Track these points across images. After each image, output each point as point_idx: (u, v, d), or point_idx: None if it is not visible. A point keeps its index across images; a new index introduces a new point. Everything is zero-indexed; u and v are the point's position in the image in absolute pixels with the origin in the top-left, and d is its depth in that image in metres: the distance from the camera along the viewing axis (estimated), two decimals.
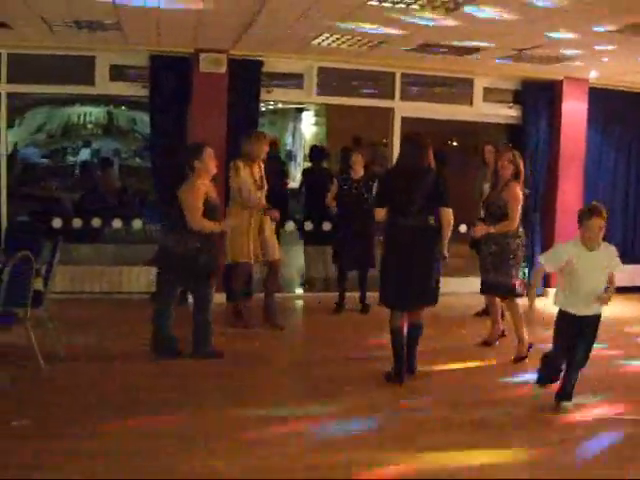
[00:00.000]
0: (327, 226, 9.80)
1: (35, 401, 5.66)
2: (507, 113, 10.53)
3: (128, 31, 7.99)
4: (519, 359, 7.05)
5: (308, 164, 12.88)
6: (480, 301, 8.52)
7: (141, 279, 9.42)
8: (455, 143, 15.28)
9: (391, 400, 5.96)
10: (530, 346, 7.05)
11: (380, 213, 6.31)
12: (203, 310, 6.84)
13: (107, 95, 10.61)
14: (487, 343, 7.60)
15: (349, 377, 6.50)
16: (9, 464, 4.39)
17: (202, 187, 6.63)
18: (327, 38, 7.99)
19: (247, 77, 9.16)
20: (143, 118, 14.82)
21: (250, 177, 7.93)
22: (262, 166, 8.15)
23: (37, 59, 9.03)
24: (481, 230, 7.08)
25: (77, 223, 9.59)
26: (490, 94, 10.41)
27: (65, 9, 6.94)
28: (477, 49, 8.28)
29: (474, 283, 7.69)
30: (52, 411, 5.41)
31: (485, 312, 8.41)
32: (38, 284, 6.51)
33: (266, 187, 8.13)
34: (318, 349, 7.58)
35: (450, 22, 6.85)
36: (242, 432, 5.12)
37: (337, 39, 8.02)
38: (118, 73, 9.21)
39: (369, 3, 6.22)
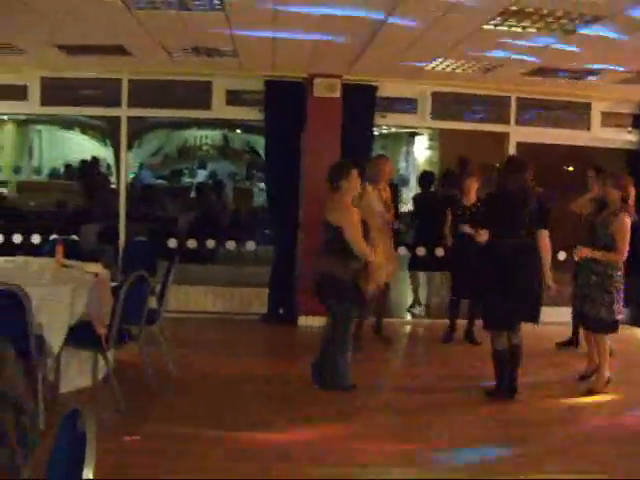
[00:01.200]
0: (440, 252, 9.67)
1: (146, 417, 5.80)
2: (626, 138, 10.20)
3: (244, 57, 8.16)
4: (592, 393, 6.73)
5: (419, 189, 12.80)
6: (563, 331, 8.27)
7: (253, 300, 9.53)
8: (571, 168, 14.90)
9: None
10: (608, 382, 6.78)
11: (483, 235, 6.23)
12: (342, 341, 6.57)
13: (223, 119, 10.87)
14: (584, 377, 7.17)
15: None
16: (116, 475, 4.50)
17: (355, 208, 6.59)
18: (441, 63, 7.95)
19: (361, 102, 9.20)
20: (257, 141, 15.11)
21: (378, 200, 7.95)
22: (388, 189, 8.17)
23: (156, 84, 9.35)
24: (585, 253, 6.68)
25: (192, 244, 9.80)
26: (608, 118, 10.11)
27: (185, 38, 7.17)
28: (594, 72, 8.07)
29: (559, 312, 7.45)
30: (162, 428, 5.53)
31: (569, 343, 8.19)
32: (152, 302, 6.69)
33: (392, 210, 8.15)
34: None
35: (567, 44, 6.71)
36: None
37: (451, 63, 7.97)
38: (234, 98, 9.42)
39: (484, 27, 6.16)
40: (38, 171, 15.65)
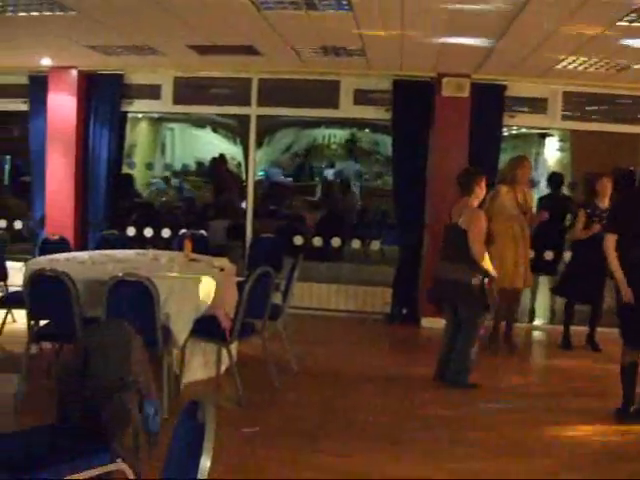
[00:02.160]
0: (549, 255, 9.41)
1: (265, 410, 5.90)
2: None
3: (372, 57, 8.17)
4: None
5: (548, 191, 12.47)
6: None
7: (376, 300, 9.53)
8: None
9: None
10: None
11: (611, 240, 5.94)
12: (469, 338, 6.57)
13: (350, 118, 10.92)
14: None
15: None
16: (233, 466, 4.59)
17: (482, 213, 6.57)
18: (573, 61, 7.72)
19: (490, 101, 9.04)
20: (385, 141, 15.08)
21: (513, 201, 7.83)
22: (526, 191, 8.05)
23: (285, 84, 9.49)
24: None
25: (318, 242, 9.88)
26: None
27: (314, 38, 7.23)
28: None
29: None
30: (281, 422, 5.61)
31: None
32: (277, 298, 6.80)
33: (529, 213, 8.00)
34: None
35: None
36: None
37: (583, 62, 7.73)
38: (361, 97, 9.44)
39: (617, 24, 5.95)
40: (169, 168, 16.10)
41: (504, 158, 9.45)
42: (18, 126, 14.35)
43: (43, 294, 5.75)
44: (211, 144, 16.69)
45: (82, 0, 6.05)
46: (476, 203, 6.59)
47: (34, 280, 5.74)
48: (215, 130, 16.83)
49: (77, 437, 3.72)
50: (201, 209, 13.46)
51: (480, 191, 6.56)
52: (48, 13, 6.46)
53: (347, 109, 9.47)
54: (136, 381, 3.67)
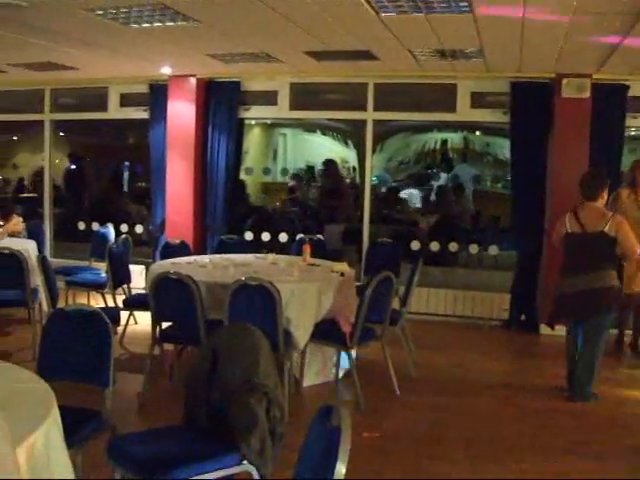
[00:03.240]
0: None
1: (385, 416, 5.87)
2: None
3: (490, 58, 8.05)
4: None
5: None
6: None
7: (493, 306, 9.36)
8: None
9: None
10: None
11: None
12: (596, 348, 6.30)
13: (466, 122, 10.79)
14: None
15: None
16: (352, 472, 4.57)
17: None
18: None
19: (611, 102, 8.74)
20: (497, 143, 14.83)
21: (634, 204, 7.59)
22: None
23: (401, 88, 9.45)
24: None
25: (435, 246, 9.79)
26: None
27: (431, 40, 7.17)
28: None
29: None
30: (398, 428, 5.58)
31: None
32: (394, 303, 6.76)
33: None
34: None
35: None
36: None
37: None
38: (479, 100, 9.30)
39: None
40: (282, 172, 16.26)
41: (627, 161, 9.13)
42: (137, 133, 14.83)
43: (167, 297, 5.89)
44: (322, 148, 16.76)
45: (206, 11, 6.17)
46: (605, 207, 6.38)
47: (159, 283, 5.89)
48: (327, 134, 16.90)
49: (205, 439, 3.79)
50: (314, 213, 13.53)
51: (605, 195, 6.34)
52: (171, 24, 6.62)
53: (464, 112, 9.34)
54: (264, 384, 3.69)
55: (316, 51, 7.92)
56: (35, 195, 14.99)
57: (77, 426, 3.80)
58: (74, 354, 4.21)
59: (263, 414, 3.69)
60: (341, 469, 2.46)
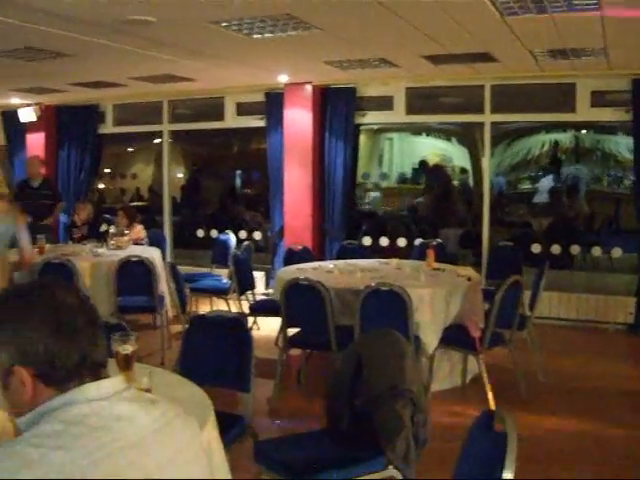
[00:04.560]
0: None
1: (517, 421, 5.77)
2: None
3: (613, 56, 7.85)
4: None
5: None
6: None
7: (617, 309, 9.11)
8: None
9: None
10: None
11: None
12: None
13: (586, 121, 10.55)
14: None
15: None
16: None
17: None
18: None
19: None
20: (612, 142, 14.48)
21: None
22: None
23: (519, 89, 9.31)
24: None
25: (556, 249, 9.59)
26: None
27: (554, 40, 7.06)
28: None
29: None
30: (533, 433, 5.48)
31: None
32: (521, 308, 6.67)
33: None
34: None
35: None
36: None
37: None
38: (599, 99, 9.07)
39: None
40: (389, 177, 16.26)
41: None
42: (250, 141, 15.10)
43: (297, 302, 5.97)
44: (430, 151, 16.68)
45: (328, 18, 6.23)
46: None
47: (289, 289, 5.97)
48: (435, 137, 16.82)
49: (349, 443, 3.83)
50: (426, 217, 13.47)
51: None
52: (293, 33, 6.71)
53: (584, 112, 9.10)
54: (409, 390, 3.70)
55: (434, 55, 7.89)
56: (146, 204, 15.46)
57: (222, 430, 3.89)
58: (215, 359, 4.32)
59: (408, 419, 3.70)
60: (508, 475, 2.44)
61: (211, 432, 2.96)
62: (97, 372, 1.72)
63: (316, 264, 7.57)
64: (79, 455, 1.53)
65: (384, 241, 10.21)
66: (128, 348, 3.25)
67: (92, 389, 1.68)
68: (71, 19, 5.97)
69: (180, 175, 16.03)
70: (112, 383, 1.73)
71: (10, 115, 12.21)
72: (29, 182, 10.28)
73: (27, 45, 7.07)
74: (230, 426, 4.00)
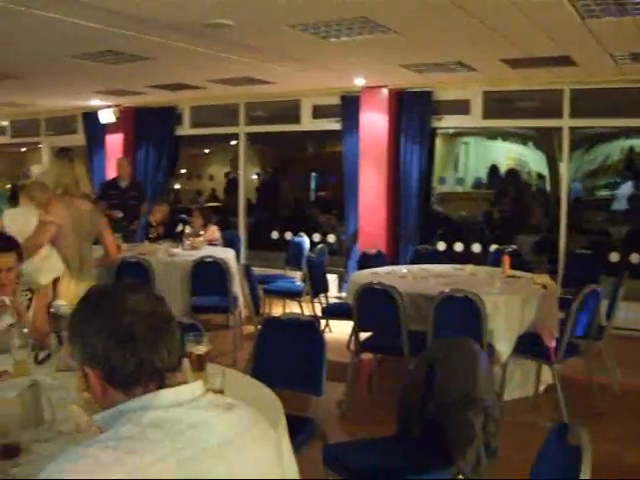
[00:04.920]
0: None
1: (590, 434, 5.64)
2: None
3: None
4: None
5: None
6: None
7: None
8: None
9: None
10: None
11: None
12: None
13: None
14: None
15: None
16: None
17: None
18: None
19: None
20: None
21: None
22: None
23: (598, 93, 9.12)
24: None
25: (635, 258, 9.33)
26: None
27: (638, 41, 6.90)
28: None
29: None
30: (609, 448, 5.35)
31: None
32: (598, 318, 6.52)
33: None
34: None
35: None
36: None
37: None
38: None
39: None
40: (465, 182, 16.10)
41: None
42: (325, 144, 15.14)
43: (370, 306, 5.96)
44: (505, 156, 16.48)
45: (405, 21, 6.20)
46: None
47: (362, 293, 5.97)
48: (511, 142, 16.60)
49: (420, 451, 3.80)
50: (501, 222, 13.31)
51: None
52: (370, 36, 6.70)
53: None
54: (482, 399, 3.66)
55: (512, 58, 7.79)
56: (221, 205, 15.63)
57: (292, 432, 3.90)
58: (287, 361, 4.33)
59: (480, 429, 3.65)
60: None
61: (282, 435, 2.96)
62: (160, 378, 1.74)
63: (390, 268, 7.55)
64: (153, 460, 1.55)
65: (459, 246, 10.11)
66: (201, 349, 3.28)
67: (169, 394, 1.71)
68: (151, 23, 6.08)
69: (255, 177, 16.17)
70: (190, 389, 1.75)
71: (90, 116, 12.51)
72: (117, 182, 10.50)
73: (108, 48, 7.23)
74: (300, 429, 4.00)
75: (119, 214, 9.72)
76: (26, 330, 3.71)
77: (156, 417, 1.65)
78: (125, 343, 1.70)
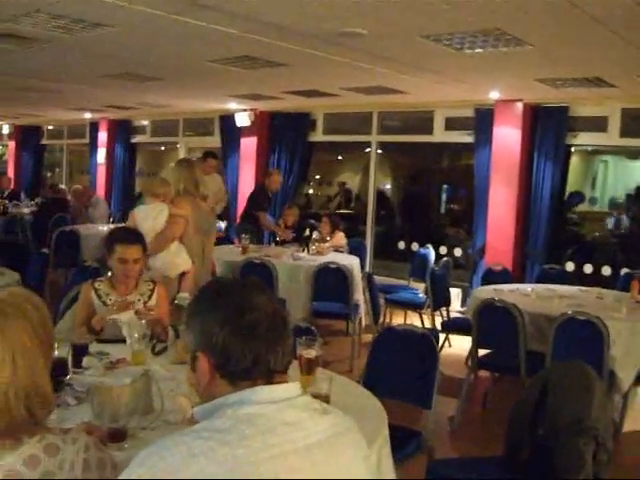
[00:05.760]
0: None
1: None
2: None
3: None
4: None
5: None
6: None
7: None
8: None
9: None
10: None
11: None
12: None
13: None
14: None
15: None
16: None
17: None
18: None
19: None
20: None
21: None
22: None
23: None
24: None
25: None
26: None
27: None
28: None
29: None
30: None
31: None
32: None
33: None
34: None
35: None
36: None
37: None
38: None
39: None
40: (596, 201, 15.60)
41: None
42: (455, 156, 15.00)
43: (490, 323, 5.88)
44: None
45: (541, 35, 6.08)
46: None
47: (483, 309, 5.89)
48: None
49: (526, 475, 3.71)
50: (633, 245, 12.79)
51: None
52: (504, 49, 6.60)
53: None
54: (594, 427, 3.54)
55: None
56: (351, 212, 15.71)
57: (399, 444, 3.89)
58: (400, 372, 4.33)
59: (590, 457, 3.54)
60: None
61: (382, 447, 2.96)
62: (270, 377, 1.80)
63: (514, 286, 7.40)
64: (243, 453, 1.60)
65: (588, 268, 9.80)
66: (312, 353, 3.32)
67: (264, 392, 1.76)
68: (288, 31, 6.20)
69: (386, 186, 16.18)
70: (286, 389, 1.80)
71: (227, 119, 12.85)
72: (267, 191, 10.55)
73: (246, 54, 7.41)
74: (407, 441, 4.00)
75: (291, 234, 9.90)
76: (145, 322, 3.88)
77: (250, 412, 1.70)
78: (246, 339, 1.77)
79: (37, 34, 6.80)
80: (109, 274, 4.56)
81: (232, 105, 12.08)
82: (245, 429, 1.65)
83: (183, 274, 6.04)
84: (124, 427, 2.60)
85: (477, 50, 6.73)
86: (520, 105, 9.69)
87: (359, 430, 1.92)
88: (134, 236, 4.56)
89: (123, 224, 7.78)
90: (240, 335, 1.76)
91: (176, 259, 6.03)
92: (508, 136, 9.77)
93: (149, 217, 6.02)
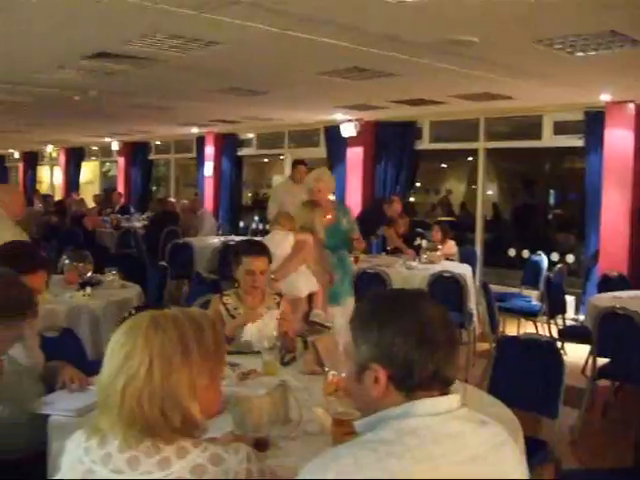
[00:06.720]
0: None
1: None
2: None
3: None
4: None
5: None
6: None
7: None
8: None
9: None
10: None
11: None
12: None
13: None
14: None
15: None
16: None
17: None
18: None
19: None
20: None
21: None
22: None
23: None
24: None
25: None
26: None
27: None
28: None
29: None
30: None
31: None
32: None
33: None
34: None
35: None
36: None
37: None
38: None
39: None
40: None
41: None
42: (567, 161, 14.71)
43: (611, 332, 5.75)
44: None
45: None
46: None
47: (603, 317, 5.78)
48: None
49: None
50: None
51: None
52: (617, 50, 6.46)
53: None
54: None
55: None
56: (456, 220, 15.59)
57: (527, 454, 3.85)
58: (524, 381, 4.30)
59: None
60: None
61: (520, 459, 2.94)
62: (446, 387, 1.82)
63: (634, 293, 7.19)
64: (410, 464, 1.63)
65: None
66: None
67: (427, 404, 1.77)
68: (396, 41, 6.22)
69: (491, 192, 16.03)
70: (448, 401, 1.80)
71: (332, 130, 12.97)
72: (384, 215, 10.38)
73: (355, 65, 7.48)
74: (534, 451, 3.95)
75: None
76: (275, 334, 3.98)
77: (414, 425, 1.72)
78: (429, 350, 1.77)
79: (152, 54, 7.04)
80: (235, 286, 4.69)
81: (338, 116, 12.18)
82: (410, 441, 1.67)
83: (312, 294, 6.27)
84: (266, 437, 2.68)
85: (590, 53, 6.62)
86: (632, 106, 9.44)
87: (513, 440, 1.93)
88: (260, 248, 4.70)
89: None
90: (424, 347, 1.77)
91: (304, 280, 6.25)
92: (620, 138, 9.52)
93: (282, 245, 6.23)
